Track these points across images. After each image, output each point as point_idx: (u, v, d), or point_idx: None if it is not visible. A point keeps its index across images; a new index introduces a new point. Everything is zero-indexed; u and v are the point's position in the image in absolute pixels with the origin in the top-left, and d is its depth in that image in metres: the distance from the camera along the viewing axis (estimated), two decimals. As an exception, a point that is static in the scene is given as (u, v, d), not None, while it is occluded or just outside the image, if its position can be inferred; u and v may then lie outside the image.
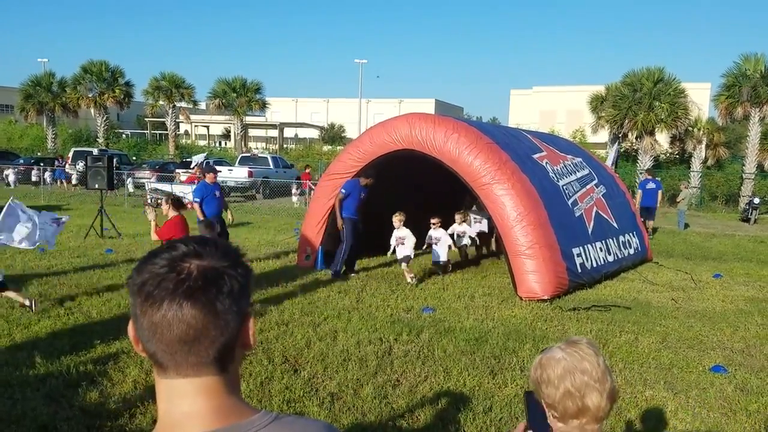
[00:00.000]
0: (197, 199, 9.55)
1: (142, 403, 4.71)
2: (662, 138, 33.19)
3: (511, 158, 9.43)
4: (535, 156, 10.50)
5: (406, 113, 10.50)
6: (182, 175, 26.01)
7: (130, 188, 26.05)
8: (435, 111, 55.09)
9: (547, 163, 10.57)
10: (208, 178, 9.95)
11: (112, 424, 4.38)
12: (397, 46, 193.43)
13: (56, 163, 31.57)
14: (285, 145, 55.33)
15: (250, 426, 1.03)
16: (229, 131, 55.57)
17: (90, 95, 40.03)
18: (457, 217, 11.10)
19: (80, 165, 28.28)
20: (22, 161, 31.94)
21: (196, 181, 24.47)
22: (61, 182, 28.95)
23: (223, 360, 1.05)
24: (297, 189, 25.20)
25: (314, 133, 60.42)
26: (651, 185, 18.15)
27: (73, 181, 28.37)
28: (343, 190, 9.89)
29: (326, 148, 48.99)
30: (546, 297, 8.65)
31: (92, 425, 4.36)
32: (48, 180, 27.99)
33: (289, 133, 61.63)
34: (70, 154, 32.39)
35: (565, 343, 1.65)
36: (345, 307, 8.00)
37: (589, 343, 1.64)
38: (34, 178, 28.73)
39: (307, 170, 27.69)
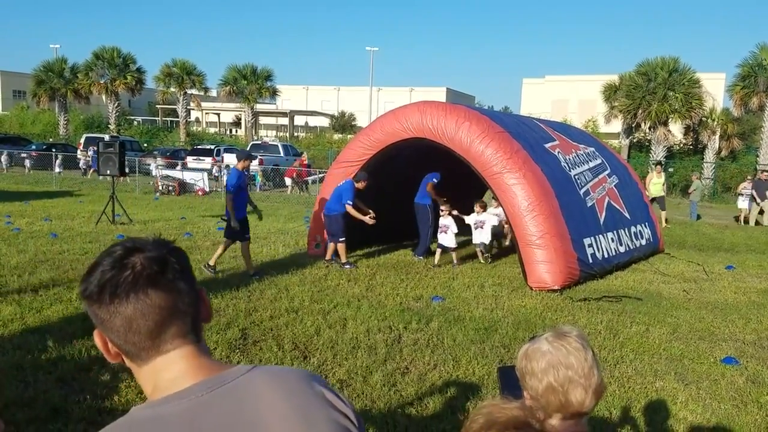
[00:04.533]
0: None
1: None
2: (676, 128, 32.91)
3: (523, 147, 9.36)
4: (547, 145, 10.43)
5: (418, 101, 10.44)
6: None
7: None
8: (446, 100, 54.79)
9: (559, 152, 10.49)
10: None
11: (123, 407, 4.41)
12: (408, 33, 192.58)
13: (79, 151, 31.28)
14: (295, 133, 55.32)
15: (235, 373, 1.14)
16: (240, 119, 55.59)
17: (102, 81, 40.17)
18: (477, 206, 10.76)
19: (91, 151, 28.40)
20: (34, 147, 32.10)
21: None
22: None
23: (196, 332, 1.16)
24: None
25: (325, 122, 60.31)
26: None
27: (81, 166, 28.07)
28: (435, 180, 10.68)
29: (337, 136, 48.93)
30: (556, 287, 8.61)
31: (103, 408, 4.40)
32: (83, 167, 27.99)
33: (299, 121, 61.59)
34: (82, 140, 32.52)
35: (554, 335, 1.61)
36: (355, 295, 8.01)
37: (579, 335, 1.60)
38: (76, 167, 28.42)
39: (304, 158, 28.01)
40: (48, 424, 4.12)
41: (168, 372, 1.12)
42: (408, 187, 10.82)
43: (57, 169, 27.31)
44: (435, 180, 10.76)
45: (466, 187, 11.70)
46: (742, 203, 20.13)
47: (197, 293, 1.17)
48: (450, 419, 4.49)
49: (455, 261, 10.23)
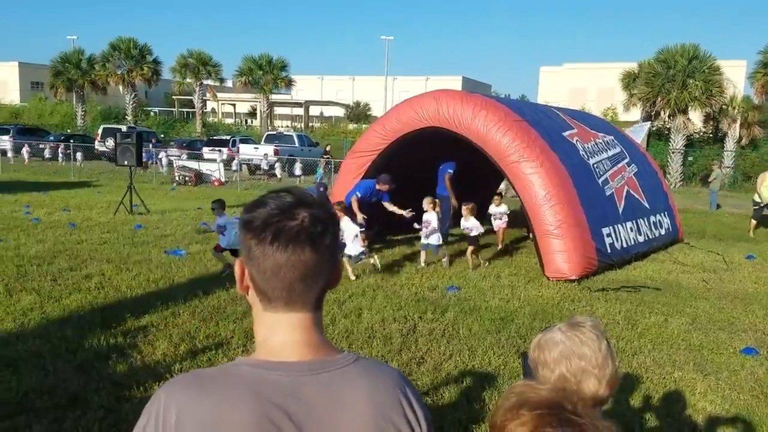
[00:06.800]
0: None
1: (171, 374, 4.77)
2: (696, 116, 32.40)
3: (541, 136, 9.27)
4: (566, 134, 10.32)
5: (434, 90, 10.37)
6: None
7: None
8: (462, 88, 54.25)
9: (577, 140, 10.38)
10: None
11: (142, 395, 4.44)
12: (423, 22, 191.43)
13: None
14: (310, 123, 55.33)
15: (337, 362, 1.17)
16: (255, 109, 55.70)
17: (118, 72, 40.41)
18: (425, 204, 9.40)
19: (109, 142, 28.67)
20: (52, 138, 32.41)
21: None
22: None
23: (320, 297, 1.21)
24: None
25: (340, 111, 60.25)
26: None
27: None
28: (451, 170, 10.76)
29: (351, 126, 48.90)
30: (574, 277, 8.55)
31: (122, 396, 4.44)
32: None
33: (314, 111, 61.57)
34: (99, 131, 32.79)
35: (568, 325, 1.59)
36: (370, 285, 8.00)
37: (594, 325, 1.58)
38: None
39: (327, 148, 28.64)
40: (67, 411, 4.16)
41: (284, 334, 1.16)
42: (423, 178, 10.77)
43: (124, 162, 27.27)
44: (451, 171, 10.76)
45: (482, 177, 11.63)
46: None
47: (337, 261, 1.23)
48: (465, 409, 4.48)
49: (423, 263, 9.34)
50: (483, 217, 10.85)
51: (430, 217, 9.29)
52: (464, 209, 9.49)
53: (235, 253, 8.17)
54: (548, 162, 8.92)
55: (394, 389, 1.20)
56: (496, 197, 10.98)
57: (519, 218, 11.76)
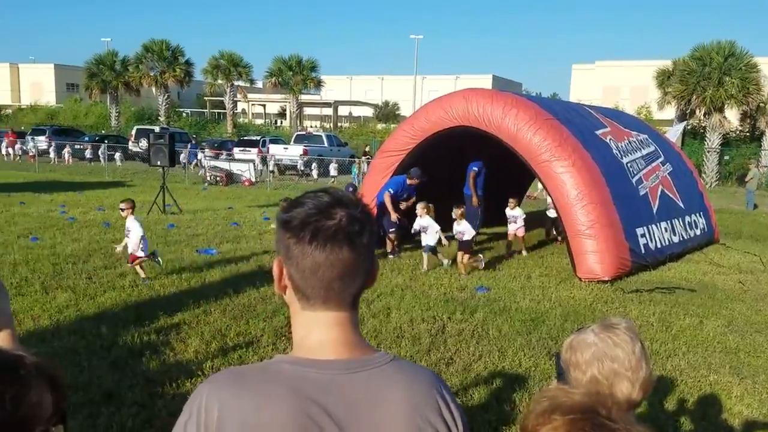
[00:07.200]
0: None
1: (203, 371, 4.83)
2: (732, 115, 31.70)
3: (573, 134, 9.15)
4: (598, 132, 10.17)
5: (463, 89, 10.31)
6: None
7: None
8: (492, 87, 53.86)
9: (610, 139, 10.22)
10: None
11: (174, 392, 4.51)
12: (453, 20, 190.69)
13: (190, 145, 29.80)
14: (339, 123, 55.52)
15: (374, 361, 1.18)
16: (285, 110, 56.12)
17: (151, 74, 41.08)
18: (419, 209, 9.26)
19: (143, 142, 29.13)
20: (87, 138, 33.13)
21: None
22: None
23: (357, 296, 1.21)
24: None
25: (368, 111, 60.33)
26: None
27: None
28: (476, 168, 10.73)
29: (380, 126, 48.96)
30: (607, 278, 8.41)
31: (155, 393, 4.50)
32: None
33: (343, 111, 61.76)
34: (133, 132, 33.38)
35: (601, 326, 1.56)
36: (398, 285, 7.99)
37: (628, 327, 1.55)
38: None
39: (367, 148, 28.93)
40: (101, 407, 4.24)
41: (321, 332, 1.17)
42: (451, 177, 10.72)
43: (157, 162, 27.55)
44: (475, 169, 10.67)
45: (512, 176, 11.52)
46: None
47: (374, 260, 1.22)
48: (495, 410, 4.44)
49: (444, 261, 9.30)
50: (502, 219, 10.77)
51: (424, 222, 9.14)
52: (454, 213, 9.21)
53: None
54: (580, 161, 8.80)
55: (430, 389, 1.20)
56: (511, 200, 10.46)
57: (536, 221, 11.62)
